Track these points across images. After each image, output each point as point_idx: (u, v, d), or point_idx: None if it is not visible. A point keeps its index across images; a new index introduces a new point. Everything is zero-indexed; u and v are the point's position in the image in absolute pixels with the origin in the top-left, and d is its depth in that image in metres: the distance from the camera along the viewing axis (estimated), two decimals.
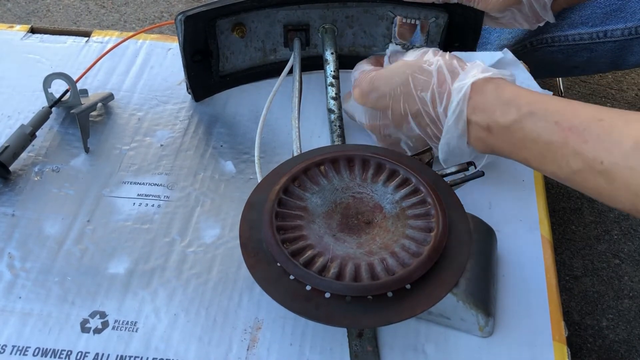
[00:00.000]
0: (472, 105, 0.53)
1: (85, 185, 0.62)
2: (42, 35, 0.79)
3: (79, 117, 0.64)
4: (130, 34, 0.76)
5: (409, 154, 0.60)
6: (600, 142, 0.46)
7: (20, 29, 0.80)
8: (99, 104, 0.68)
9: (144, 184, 0.62)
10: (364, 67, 0.63)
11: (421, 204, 0.50)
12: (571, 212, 1.07)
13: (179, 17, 0.63)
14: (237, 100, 0.71)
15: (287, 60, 0.68)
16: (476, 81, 0.53)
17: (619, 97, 1.26)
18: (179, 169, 0.64)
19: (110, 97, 0.70)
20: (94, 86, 0.72)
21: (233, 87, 0.72)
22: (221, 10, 0.65)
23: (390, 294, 0.45)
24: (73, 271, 0.55)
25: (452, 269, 0.47)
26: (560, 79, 1.24)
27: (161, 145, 0.66)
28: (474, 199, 0.59)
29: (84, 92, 0.69)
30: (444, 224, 0.48)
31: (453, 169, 0.55)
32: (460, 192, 0.54)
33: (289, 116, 0.64)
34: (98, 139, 0.66)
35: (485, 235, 0.55)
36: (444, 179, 0.54)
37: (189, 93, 0.70)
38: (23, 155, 0.63)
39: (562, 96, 1.27)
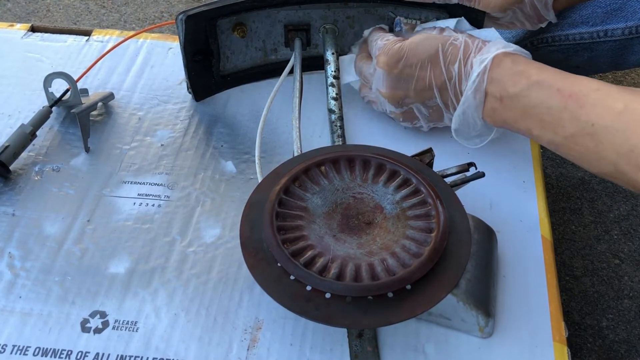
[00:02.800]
0: (490, 77, 0.56)
1: (85, 185, 0.62)
2: (42, 34, 0.79)
3: (80, 116, 0.64)
4: (131, 33, 0.76)
5: (423, 122, 0.64)
6: (595, 107, 0.50)
7: (20, 28, 0.80)
8: (100, 104, 0.68)
9: (144, 183, 0.62)
10: (387, 36, 0.64)
11: (421, 205, 0.50)
12: (571, 212, 1.07)
13: (180, 16, 0.63)
14: (238, 100, 0.71)
15: (288, 60, 0.68)
16: (497, 55, 0.56)
17: None
18: (179, 169, 0.64)
19: (110, 96, 0.70)
20: (94, 85, 0.72)
21: (234, 86, 0.72)
22: (222, 10, 0.65)
23: (390, 295, 0.45)
24: (73, 271, 0.55)
25: (453, 270, 0.47)
26: None
27: (161, 145, 0.66)
28: (475, 200, 0.59)
29: (85, 91, 0.69)
30: (445, 225, 0.48)
31: (454, 170, 0.55)
32: (460, 193, 0.54)
33: (289, 116, 0.64)
34: (98, 138, 0.66)
35: (486, 236, 0.55)
36: (445, 179, 0.54)
37: (190, 93, 0.70)
38: (23, 154, 0.63)
39: None
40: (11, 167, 0.62)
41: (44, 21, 1.41)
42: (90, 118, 0.68)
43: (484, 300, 0.51)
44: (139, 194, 0.61)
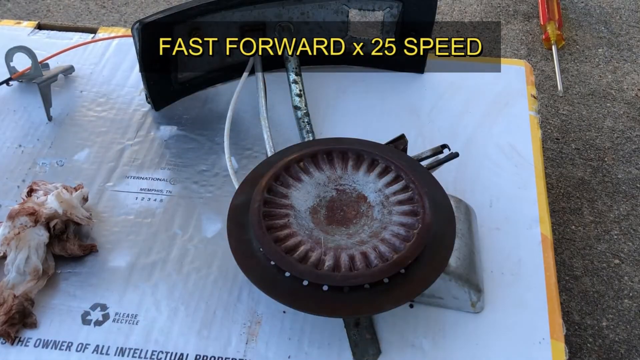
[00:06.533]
0: None
1: (88, 179, 0.62)
2: (48, 31, 0.80)
3: (41, 86, 0.67)
4: None
5: None
6: None
7: (27, 25, 0.80)
8: (60, 75, 0.71)
9: (146, 178, 0.63)
10: None
11: (404, 190, 0.50)
12: (571, 212, 1.07)
13: (136, 25, 0.61)
14: (239, 97, 0.72)
15: (246, 62, 0.67)
16: None
17: (619, 97, 1.26)
18: (181, 165, 0.64)
19: (70, 69, 0.72)
20: (99, 82, 0.73)
21: (193, 93, 0.70)
22: (178, 16, 0.63)
23: (386, 280, 0.45)
24: (75, 264, 0.55)
25: (442, 249, 0.47)
26: (559, 78, 1.24)
27: (164, 140, 0.67)
28: (475, 197, 0.59)
29: (46, 65, 0.71)
30: (429, 207, 0.48)
31: (428, 153, 0.55)
32: (460, 190, 0.54)
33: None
34: (101, 133, 0.67)
35: (467, 215, 0.55)
36: (420, 163, 0.54)
37: (149, 102, 0.69)
38: (27, 149, 0.64)
39: (561, 97, 1.27)
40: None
41: (44, 21, 1.41)
42: (95, 113, 0.68)
43: (473, 277, 0.51)
44: (141, 189, 0.62)
